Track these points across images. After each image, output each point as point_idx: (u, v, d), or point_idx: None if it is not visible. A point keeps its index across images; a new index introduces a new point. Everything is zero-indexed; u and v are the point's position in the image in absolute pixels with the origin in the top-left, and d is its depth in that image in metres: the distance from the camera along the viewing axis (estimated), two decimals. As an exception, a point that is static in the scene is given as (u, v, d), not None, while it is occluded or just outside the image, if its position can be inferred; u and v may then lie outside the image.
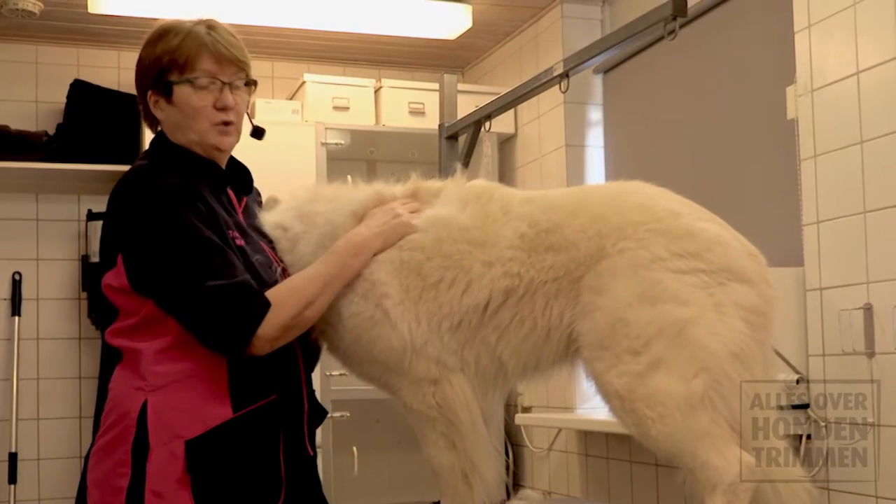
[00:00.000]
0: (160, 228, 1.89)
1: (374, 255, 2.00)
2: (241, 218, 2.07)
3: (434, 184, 2.14)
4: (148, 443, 1.87)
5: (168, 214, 1.89)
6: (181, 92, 2.01)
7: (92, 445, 1.97)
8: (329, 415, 2.15)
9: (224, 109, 2.02)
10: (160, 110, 2.04)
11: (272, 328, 1.89)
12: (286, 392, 2.00)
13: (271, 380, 1.97)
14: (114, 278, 1.94)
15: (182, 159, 2.02)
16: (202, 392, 1.91)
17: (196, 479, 1.87)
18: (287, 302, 1.91)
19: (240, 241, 1.99)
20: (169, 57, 2.00)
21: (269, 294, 1.91)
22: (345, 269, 1.98)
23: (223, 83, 2.02)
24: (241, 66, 2.05)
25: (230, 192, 2.10)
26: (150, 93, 2.04)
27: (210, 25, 2.04)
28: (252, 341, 1.88)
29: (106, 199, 2.01)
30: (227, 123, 2.04)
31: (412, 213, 2.05)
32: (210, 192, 2.00)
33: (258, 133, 2.21)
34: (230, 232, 1.98)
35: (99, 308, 2.07)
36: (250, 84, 2.09)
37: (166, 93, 2.01)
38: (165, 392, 1.90)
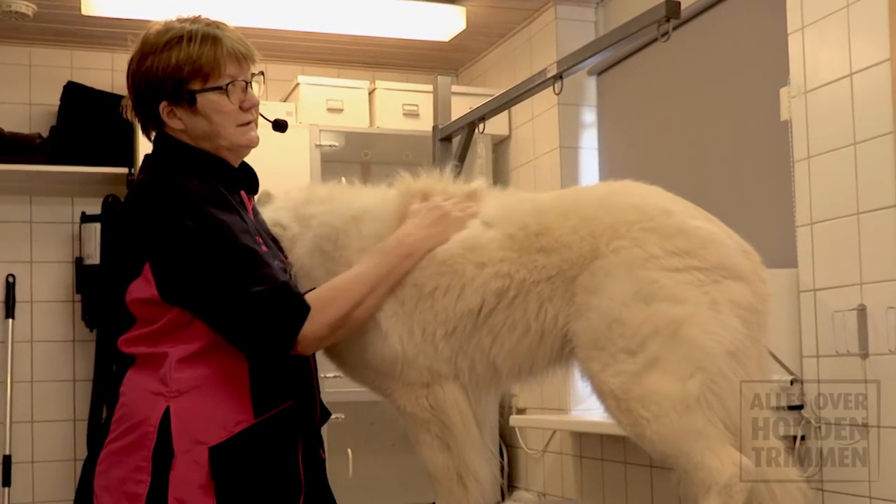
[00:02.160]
0: (196, 235, 1.83)
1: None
2: (251, 218, 2.03)
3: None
4: (171, 449, 1.84)
5: (202, 220, 1.84)
6: (208, 100, 1.94)
7: (98, 449, 1.92)
8: (325, 417, 2.16)
9: (250, 108, 1.99)
10: (177, 120, 1.95)
11: (320, 327, 1.86)
12: (302, 396, 1.99)
13: (290, 384, 1.96)
14: (140, 289, 1.88)
15: (196, 162, 1.96)
16: (224, 398, 1.89)
17: (220, 486, 1.85)
18: (335, 301, 1.88)
19: (264, 248, 1.94)
20: (191, 66, 1.91)
21: (318, 293, 1.89)
22: (395, 271, 1.95)
23: (246, 83, 1.99)
24: (253, 60, 2.01)
25: (242, 192, 2.05)
26: (163, 103, 1.94)
27: (216, 25, 1.98)
28: (298, 341, 1.85)
29: (100, 201, 1.98)
30: (250, 120, 2.01)
31: (462, 211, 2.02)
32: (227, 195, 1.96)
33: (280, 126, 2.14)
34: (256, 238, 1.94)
35: (111, 316, 2.03)
36: (261, 75, 2.04)
37: (189, 102, 1.94)
38: (188, 398, 1.87)
